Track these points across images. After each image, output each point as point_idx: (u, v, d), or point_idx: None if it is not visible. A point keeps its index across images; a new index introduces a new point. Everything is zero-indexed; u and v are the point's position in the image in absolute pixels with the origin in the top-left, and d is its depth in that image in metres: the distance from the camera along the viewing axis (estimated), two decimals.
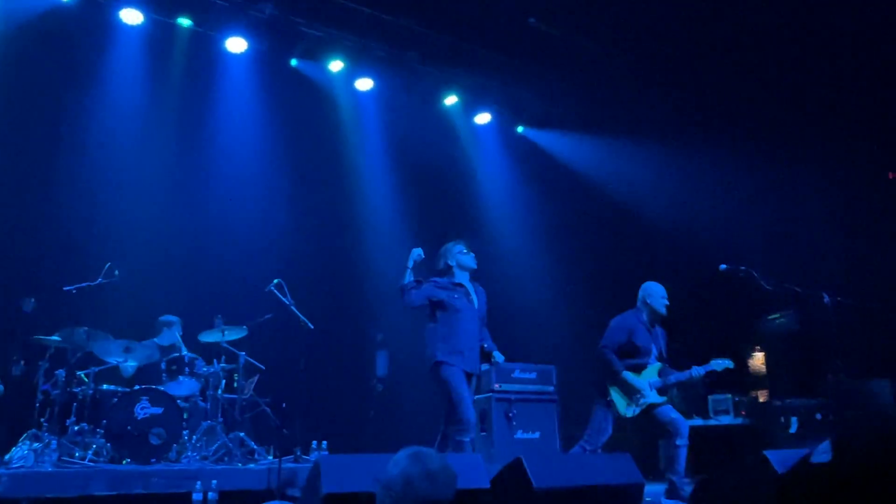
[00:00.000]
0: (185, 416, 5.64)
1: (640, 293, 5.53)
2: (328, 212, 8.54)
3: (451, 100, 8.96)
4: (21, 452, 4.93)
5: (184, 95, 7.75)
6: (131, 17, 7.27)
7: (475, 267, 5.21)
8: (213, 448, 5.64)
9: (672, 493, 5.09)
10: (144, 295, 6.64)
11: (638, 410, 5.19)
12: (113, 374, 5.98)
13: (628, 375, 5.22)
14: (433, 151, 8.91)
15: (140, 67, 7.57)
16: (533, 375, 6.81)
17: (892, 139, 7.10)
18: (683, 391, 7.39)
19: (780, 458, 3.58)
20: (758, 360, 7.75)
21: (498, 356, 5.31)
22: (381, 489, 2.01)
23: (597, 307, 6.69)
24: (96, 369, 5.77)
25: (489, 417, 6.49)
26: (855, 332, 5.62)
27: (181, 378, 5.92)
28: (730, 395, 7.31)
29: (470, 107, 9.17)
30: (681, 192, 8.25)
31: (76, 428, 5.35)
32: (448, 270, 5.16)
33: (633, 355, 5.29)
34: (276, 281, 5.87)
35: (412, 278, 5.00)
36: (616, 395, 5.26)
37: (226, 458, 5.59)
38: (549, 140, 9.65)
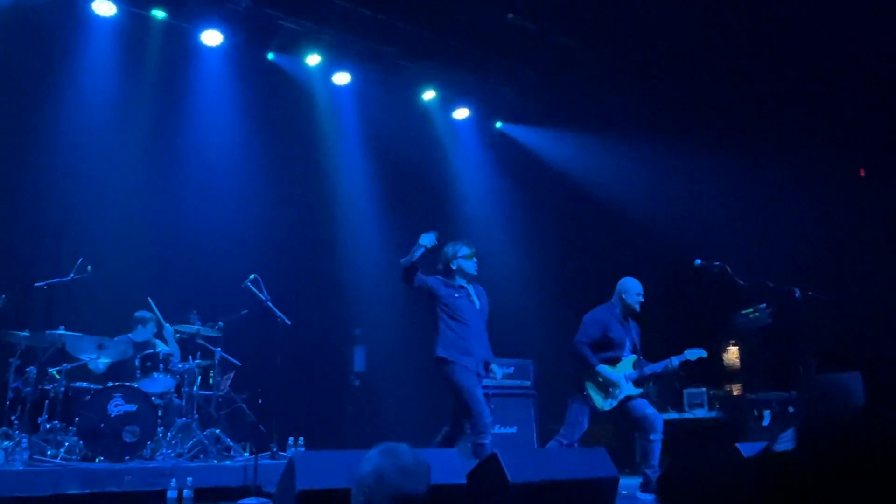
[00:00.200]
0: (159, 413, 5.59)
1: (618, 288, 5.59)
2: (305, 207, 8.49)
3: (429, 95, 8.93)
4: None
5: (158, 89, 7.64)
6: (104, 8, 7.15)
7: (475, 274, 5.17)
8: (189, 445, 5.60)
9: (647, 486, 5.15)
10: (118, 291, 6.55)
11: (615, 403, 5.24)
12: (85, 371, 5.90)
13: (603, 369, 5.27)
14: (411, 146, 8.88)
15: (113, 60, 7.44)
16: (510, 370, 6.85)
17: (863, 136, 7.21)
18: (659, 385, 7.47)
19: (751, 451, 3.64)
20: (732, 354, 7.85)
21: (495, 369, 5.28)
22: (355, 486, 2.01)
23: (574, 302, 6.73)
24: (68, 366, 5.68)
25: None
26: (825, 326, 5.71)
27: (155, 375, 5.85)
28: (704, 389, 7.40)
29: (448, 102, 9.16)
30: (657, 188, 8.31)
31: (48, 426, 5.28)
32: (450, 272, 5.11)
33: (607, 349, 5.35)
34: (252, 276, 5.85)
35: (417, 258, 4.93)
36: (592, 390, 5.31)
37: (201, 456, 5.55)
38: (527, 136, 9.67)
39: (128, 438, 5.23)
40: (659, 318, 7.94)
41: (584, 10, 7.63)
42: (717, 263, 5.47)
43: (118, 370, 5.97)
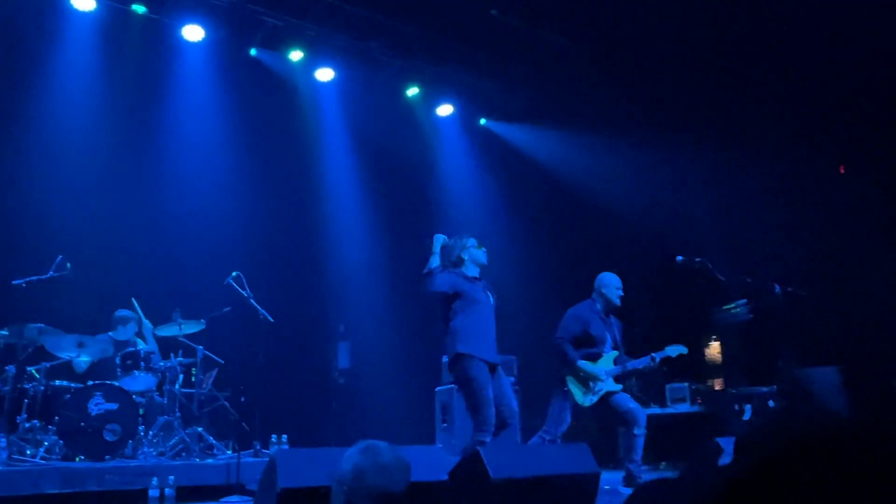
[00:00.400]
0: (140, 411, 5.55)
1: (596, 283, 5.61)
2: (288, 203, 8.45)
3: (412, 91, 8.92)
4: None
5: (138, 84, 7.56)
6: (83, 2, 7.06)
7: (486, 263, 5.11)
8: (171, 443, 5.57)
9: (630, 480, 5.19)
10: (98, 288, 6.49)
11: (595, 399, 5.27)
12: (65, 369, 5.85)
13: (584, 364, 5.30)
14: (395, 143, 8.87)
15: (93, 55, 7.36)
16: None
17: (843, 134, 7.29)
18: (642, 380, 7.52)
19: (730, 445, 3.66)
20: (714, 349, 7.92)
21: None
22: (336, 483, 2.01)
23: (557, 298, 6.75)
24: (48, 365, 5.63)
25: (451, 409, 6.53)
26: (804, 322, 5.78)
27: (136, 373, 5.80)
28: (686, 384, 7.46)
29: (432, 98, 9.14)
30: (640, 185, 8.36)
31: (27, 425, 5.22)
32: (460, 263, 5.04)
33: (588, 345, 5.38)
34: (234, 273, 5.81)
35: (438, 263, 4.89)
36: (573, 385, 5.34)
37: (183, 454, 5.52)
38: (511, 132, 9.68)
39: (109, 437, 5.19)
40: (641, 314, 8.01)
41: (568, 7, 7.65)
42: (699, 260, 5.52)
43: (99, 368, 5.92)
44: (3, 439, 4.86)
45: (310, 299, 8.34)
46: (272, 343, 5.79)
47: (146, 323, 6.35)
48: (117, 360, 5.84)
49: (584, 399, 5.30)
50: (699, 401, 7.46)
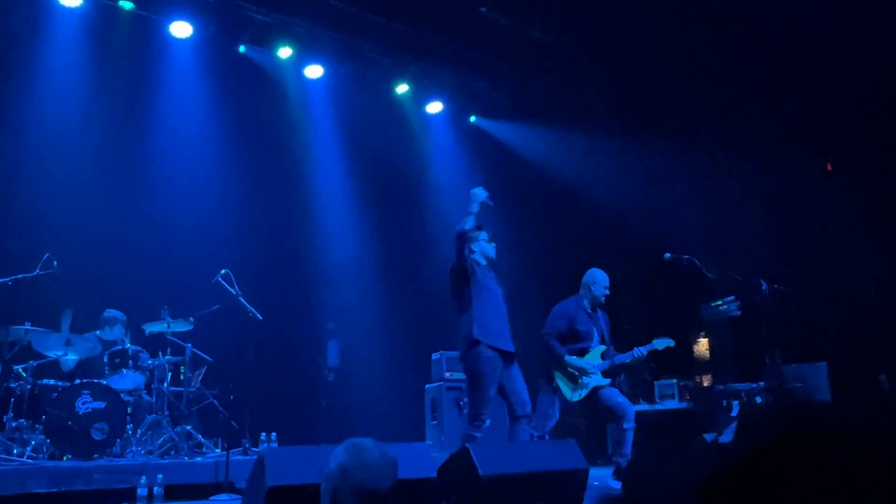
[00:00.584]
0: (129, 410, 5.52)
1: (585, 279, 5.65)
2: (277, 201, 8.42)
3: (402, 88, 8.90)
4: None
5: (126, 81, 7.50)
6: None
7: (494, 258, 5.09)
8: (159, 442, 5.56)
9: (619, 474, 5.22)
10: (86, 286, 6.44)
11: (584, 394, 5.29)
12: (53, 368, 5.82)
13: (572, 359, 5.32)
14: (384, 140, 8.85)
15: (80, 52, 7.29)
16: None
17: (830, 131, 7.34)
18: (631, 377, 7.56)
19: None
20: (702, 346, 7.97)
21: None
22: (323, 482, 2.01)
23: (546, 295, 6.77)
24: (35, 363, 5.60)
25: (440, 406, 6.54)
26: (792, 318, 5.83)
27: (124, 371, 5.78)
28: (675, 381, 7.50)
29: (421, 96, 9.13)
30: (629, 182, 8.39)
31: (14, 424, 5.20)
32: (471, 254, 5.00)
33: (575, 340, 5.41)
34: (223, 271, 5.79)
35: (474, 224, 4.84)
36: (561, 381, 5.36)
37: (172, 452, 5.51)
38: (500, 130, 9.68)
39: (96, 436, 5.17)
40: (630, 310, 8.05)
41: (557, 5, 7.65)
42: (687, 257, 5.55)
43: (87, 367, 5.88)
44: None
45: (299, 297, 8.32)
46: (261, 341, 5.77)
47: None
48: (105, 359, 5.82)
49: (573, 394, 5.32)
50: (688, 397, 7.51)
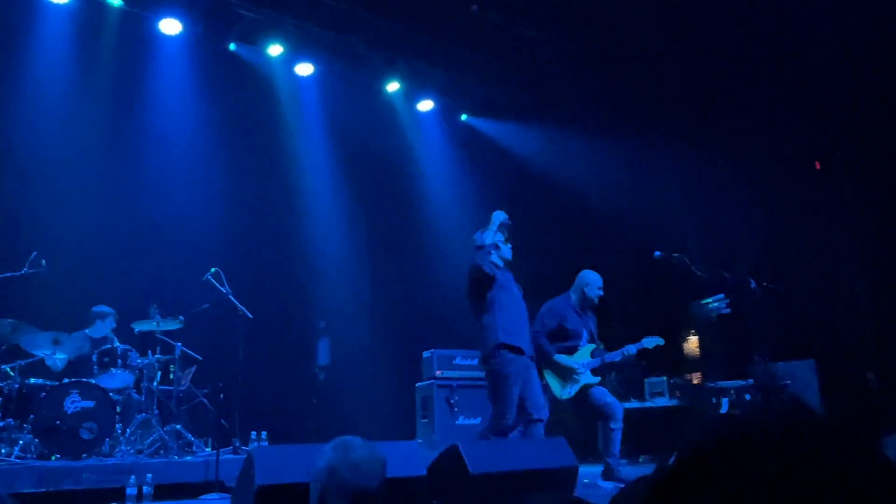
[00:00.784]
0: (118, 409, 5.49)
1: (579, 279, 5.66)
2: (267, 199, 8.40)
3: (393, 86, 8.88)
4: None
5: (115, 78, 7.47)
6: None
7: (510, 259, 5.08)
8: (149, 441, 5.53)
9: (608, 474, 5.24)
10: (74, 285, 6.41)
11: (573, 392, 5.31)
12: (41, 367, 5.77)
13: (561, 358, 5.33)
14: (375, 138, 8.84)
15: (68, 49, 7.25)
16: (474, 362, 6.86)
17: (818, 131, 7.38)
18: (621, 375, 7.59)
19: None
20: (692, 343, 8.01)
21: None
22: (312, 480, 2.01)
23: (537, 293, 6.77)
24: (23, 362, 5.56)
25: (431, 404, 6.54)
26: (780, 316, 5.86)
27: (114, 370, 5.75)
28: (665, 378, 7.53)
29: (412, 93, 9.12)
30: (619, 181, 8.41)
31: (1, 424, 5.16)
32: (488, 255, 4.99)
33: (564, 339, 5.42)
34: (213, 270, 5.76)
35: (493, 240, 4.87)
36: (551, 379, 5.37)
37: (161, 451, 5.48)
38: (492, 128, 9.69)
39: (85, 435, 5.14)
40: (621, 308, 8.06)
41: (547, 3, 7.67)
42: (676, 255, 5.57)
43: (75, 366, 5.85)
44: None
45: (289, 295, 8.30)
46: (251, 339, 5.75)
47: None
48: (94, 358, 5.78)
49: (562, 392, 5.33)
50: (677, 395, 7.54)
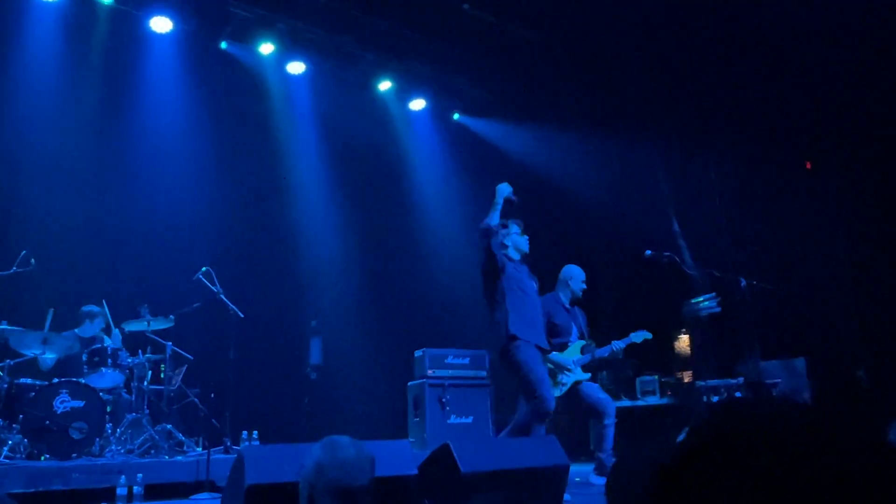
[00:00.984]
0: (108, 408, 5.47)
1: (562, 275, 5.69)
2: (259, 197, 8.38)
3: (384, 85, 8.87)
4: None
5: (105, 77, 7.43)
6: None
7: (528, 251, 5.05)
8: (139, 441, 5.51)
9: (601, 470, 5.25)
10: (64, 284, 6.38)
11: (565, 389, 5.32)
12: (30, 366, 5.74)
13: (552, 355, 5.34)
14: (367, 137, 8.83)
15: (58, 47, 7.21)
16: (466, 361, 6.88)
17: (809, 130, 7.42)
18: (613, 373, 7.61)
19: None
20: (683, 342, 8.03)
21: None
22: (301, 480, 2.01)
23: None
24: (11, 362, 5.52)
25: (422, 403, 6.53)
26: (771, 314, 5.89)
27: (104, 370, 5.72)
28: (656, 377, 7.56)
29: (404, 92, 9.10)
30: (608, 179, 8.43)
31: None
32: (503, 249, 4.96)
33: (554, 336, 5.43)
34: (204, 269, 5.75)
35: (498, 220, 4.80)
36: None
37: (152, 451, 5.46)
38: (484, 127, 9.68)
39: (75, 435, 5.12)
40: (611, 308, 8.08)
41: (539, 2, 7.67)
42: (667, 254, 5.59)
43: (65, 366, 5.82)
44: None
45: (281, 295, 8.28)
46: (243, 339, 5.73)
47: (115, 332, 6.22)
48: (84, 357, 5.75)
49: (553, 389, 5.34)
50: (669, 393, 7.56)
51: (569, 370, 5.33)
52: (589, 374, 5.41)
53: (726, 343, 7.12)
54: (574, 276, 5.63)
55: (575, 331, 5.54)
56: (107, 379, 5.74)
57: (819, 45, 6.73)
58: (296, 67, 8.31)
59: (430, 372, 6.63)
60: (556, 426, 6.60)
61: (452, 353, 6.83)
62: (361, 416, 7.71)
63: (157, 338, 6.16)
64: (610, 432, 5.26)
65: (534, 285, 5.01)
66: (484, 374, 6.96)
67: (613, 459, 5.40)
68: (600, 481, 5.08)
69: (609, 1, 7.33)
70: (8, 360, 5.50)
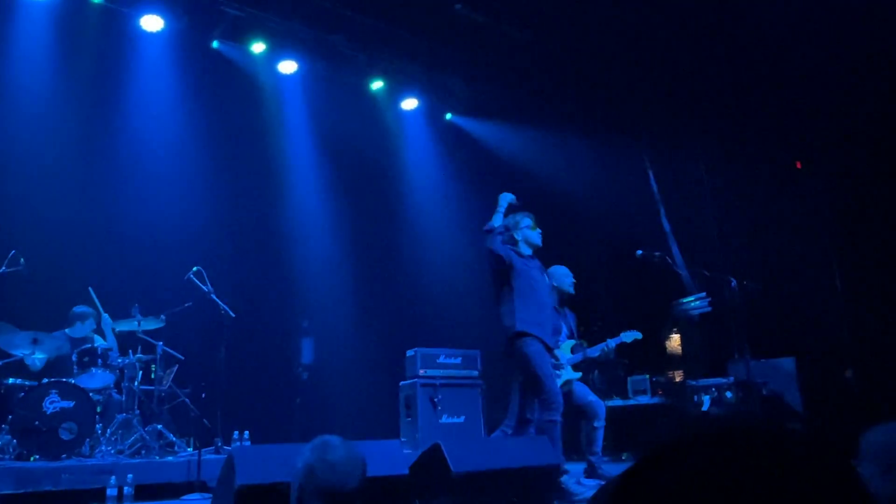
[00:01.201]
0: (98, 409, 5.46)
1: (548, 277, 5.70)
2: (250, 197, 8.35)
3: (377, 85, 8.86)
4: None
5: (95, 75, 7.38)
6: None
7: (541, 245, 5.01)
8: (129, 441, 5.49)
9: (591, 472, 5.27)
10: (53, 284, 6.34)
11: None
12: (20, 367, 5.71)
13: None
14: (359, 137, 8.82)
15: (47, 45, 7.15)
16: (458, 360, 6.89)
17: (800, 130, 7.46)
18: (604, 373, 7.63)
19: None
20: (674, 342, 8.06)
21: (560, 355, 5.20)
22: (291, 480, 2.01)
23: None
24: (0, 362, 5.49)
25: (414, 403, 6.53)
26: (760, 314, 5.92)
27: (94, 370, 5.70)
28: (647, 376, 7.58)
29: (396, 92, 9.08)
30: (602, 180, 8.45)
31: None
32: (514, 243, 4.94)
33: None
34: (195, 268, 5.74)
35: (501, 223, 4.83)
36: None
37: (143, 452, 5.45)
38: (476, 127, 9.68)
39: (64, 436, 5.09)
40: (602, 307, 8.10)
41: (531, 2, 7.67)
42: (658, 254, 5.61)
43: (55, 366, 5.79)
44: None
45: (272, 294, 8.26)
46: (234, 338, 5.73)
47: (105, 317, 6.22)
48: (74, 358, 5.73)
49: None
50: (660, 392, 7.59)
51: (559, 369, 5.35)
52: (580, 374, 5.43)
53: (717, 342, 7.16)
54: (558, 276, 5.63)
55: (565, 330, 5.56)
56: (97, 379, 5.72)
57: (809, 44, 6.77)
58: (287, 67, 8.28)
59: (421, 371, 6.64)
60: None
61: (444, 352, 6.83)
62: (353, 415, 7.70)
63: (147, 338, 6.14)
64: (599, 434, 5.29)
65: (544, 280, 4.97)
66: (476, 373, 6.97)
67: (604, 459, 5.43)
68: (590, 483, 5.10)
69: (601, 1, 7.34)
70: None
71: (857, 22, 6.35)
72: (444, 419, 6.55)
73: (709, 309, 7.28)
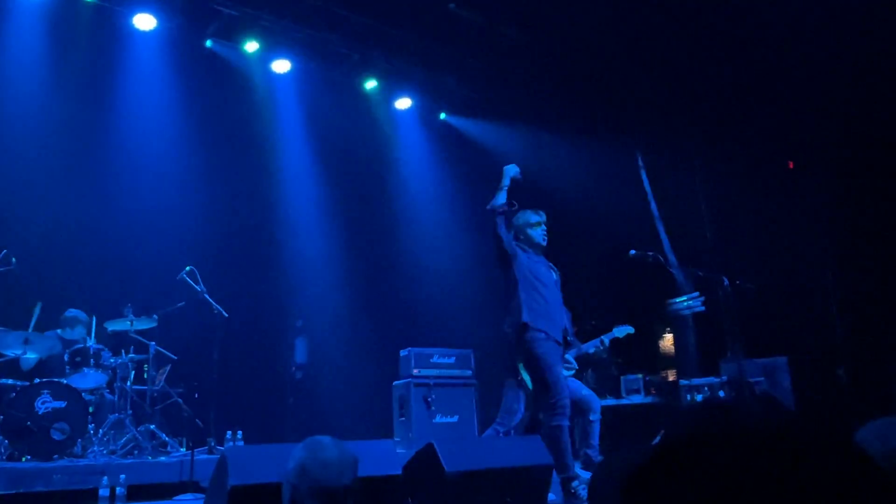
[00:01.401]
0: (90, 409, 5.44)
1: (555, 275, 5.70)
2: (243, 196, 8.32)
3: (370, 84, 8.84)
4: None
5: (88, 74, 7.34)
6: None
7: (544, 244, 4.92)
8: (122, 442, 5.47)
9: (588, 464, 5.27)
10: (46, 284, 6.31)
11: None
12: (11, 367, 5.68)
13: None
14: (353, 136, 8.81)
15: (40, 44, 7.12)
16: (451, 360, 6.89)
17: (793, 130, 7.49)
18: (598, 372, 7.65)
19: None
20: (667, 341, 8.09)
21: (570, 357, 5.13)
22: (284, 480, 2.00)
23: None
24: None
25: (408, 402, 6.53)
26: (753, 314, 5.94)
27: (86, 370, 5.67)
28: (641, 376, 7.61)
29: (390, 92, 9.07)
30: (595, 180, 8.46)
31: None
32: (519, 240, 4.88)
33: None
34: (188, 268, 5.72)
35: (505, 200, 4.70)
36: (525, 373, 5.38)
37: (135, 452, 5.43)
38: (470, 127, 9.68)
39: (56, 436, 5.07)
40: (596, 307, 8.12)
41: (526, 2, 7.68)
42: (651, 253, 5.62)
43: (47, 366, 5.77)
44: None
45: (266, 294, 8.25)
46: (227, 338, 5.73)
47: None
48: (66, 357, 5.70)
49: None
50: (653, 392, 7.62)
51: (571, 370, 5.36)
52: (573, 371, 5.43)
53: (710, 342, 7.18)
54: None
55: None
56: (89, 379, 5.69)
57: (803, 44, 6.79)
58: (281, 66, 8.26)
59: (415, 371, 6.64)
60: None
61: (438, 352, 6.83)
62: (347, 415, 7.69)
63: (140, 337, 6.11)
64: (596, 428, 5.27)
65: (553, 276, 4.90)
66: (469, 373, 6.97)
67: (600, 455, 5.43)
68: (586, 474, 5.10)
69: (596, 3, 7.35)
70: None
71: (851, 22, 6.38)
72: (438, 419, 6.55)
73: (702, 308, 7.30)
